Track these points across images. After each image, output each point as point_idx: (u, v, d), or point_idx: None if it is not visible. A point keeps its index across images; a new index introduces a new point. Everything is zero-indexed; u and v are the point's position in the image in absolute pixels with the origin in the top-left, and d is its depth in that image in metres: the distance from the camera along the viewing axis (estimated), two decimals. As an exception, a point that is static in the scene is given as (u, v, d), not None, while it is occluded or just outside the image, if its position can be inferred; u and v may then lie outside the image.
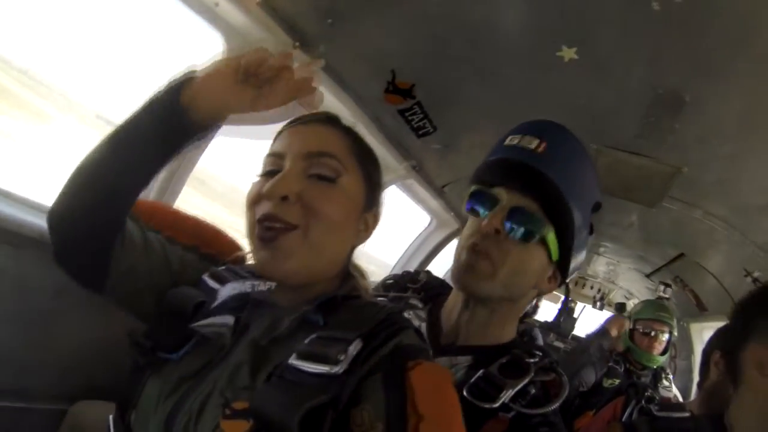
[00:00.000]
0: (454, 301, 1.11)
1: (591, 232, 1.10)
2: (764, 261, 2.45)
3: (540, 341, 1.23)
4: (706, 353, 1.78)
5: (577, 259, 1.09)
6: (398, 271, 3.19)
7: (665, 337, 2.80)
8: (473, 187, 1.08)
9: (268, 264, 0.84)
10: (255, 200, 0.86)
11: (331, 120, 0.94)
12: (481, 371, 0.98)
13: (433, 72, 1.74)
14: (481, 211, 1.03)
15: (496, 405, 0.91)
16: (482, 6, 1.45)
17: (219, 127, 0.83)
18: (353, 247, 0.96)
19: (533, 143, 1.00)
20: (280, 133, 0.93)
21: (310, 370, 0.69)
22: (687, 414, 1.34)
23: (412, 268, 3.14)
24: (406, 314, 0.89)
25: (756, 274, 2.61)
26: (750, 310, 1.16)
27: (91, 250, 0.86)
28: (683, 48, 1.39)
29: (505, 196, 1.01)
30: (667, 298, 3.68)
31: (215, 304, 0.90)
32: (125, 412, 0.85)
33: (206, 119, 0.79)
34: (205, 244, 1.09)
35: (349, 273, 0.96)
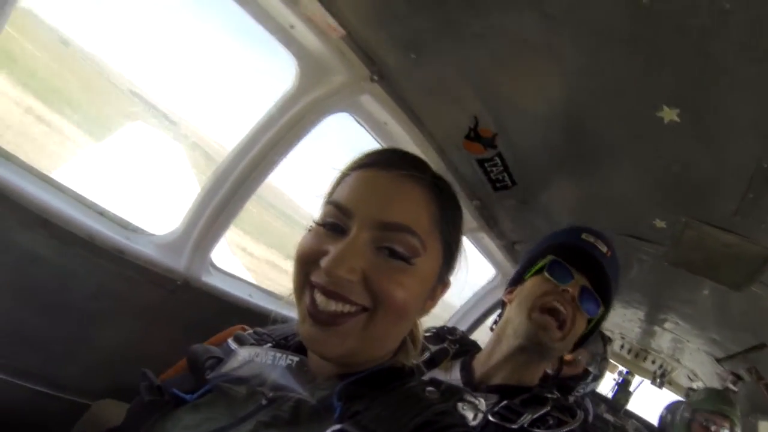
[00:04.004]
0: (490, 350, 1.41)
1: None
2: None
3: (591, 412, 1.58)
4: None
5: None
6: (455, 321, 3.08)
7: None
8: (551, 257, 1.41)
9: (318, 343, 0.71)
10: (307, 259, 0.72)
11: (417, 173, 0.76)
12: (505, 402, 1.23)
13: (518, 123, 1.61)
14: (560, 279, 1.37)
15: (516, 426, 1.15)
16: (575, 56, 1.33)
17: None
18: (415, 322, 0.84)
19: (604, 248, 1.41)
20: (349, 171, 0.78)
21: None
22: None
23: (469, 321, 3.05)
24: (460, 407, 0.77)
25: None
26: None
27: None
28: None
29: (576, 275, 1.38)
30: (735, 392, 3.33)
31: (230, 363, 0.84)
32: None
33: None
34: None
35: (403, 341, 0.82)
